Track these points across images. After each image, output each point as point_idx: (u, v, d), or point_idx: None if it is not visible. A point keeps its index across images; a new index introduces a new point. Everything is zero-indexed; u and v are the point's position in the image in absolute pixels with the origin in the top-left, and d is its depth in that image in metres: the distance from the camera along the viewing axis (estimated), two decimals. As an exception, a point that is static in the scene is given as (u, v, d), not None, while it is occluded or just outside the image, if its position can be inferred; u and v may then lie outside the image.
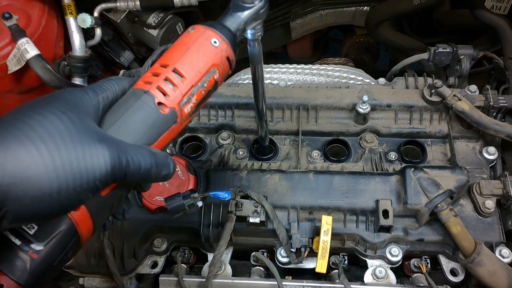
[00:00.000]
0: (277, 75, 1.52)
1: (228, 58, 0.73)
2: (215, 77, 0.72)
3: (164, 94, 0.66)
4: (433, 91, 1.22)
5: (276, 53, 2.30)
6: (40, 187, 0.52)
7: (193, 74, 0.69)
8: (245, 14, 0.76)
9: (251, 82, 1.49)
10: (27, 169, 0.51)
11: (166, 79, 0.67)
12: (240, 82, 1.45)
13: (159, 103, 0.66)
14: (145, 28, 1.65)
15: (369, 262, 1.13)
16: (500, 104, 1.22)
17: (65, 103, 0.59)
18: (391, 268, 1.12)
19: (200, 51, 0.70)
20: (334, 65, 1.57)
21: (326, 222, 1.03)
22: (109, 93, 0.66)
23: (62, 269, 1.18)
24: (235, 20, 0.75)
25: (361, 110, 1.23)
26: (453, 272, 1.12)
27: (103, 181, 0.57)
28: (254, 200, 1.09)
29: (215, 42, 0.71)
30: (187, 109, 0.69)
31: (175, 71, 0.68)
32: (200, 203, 0.97)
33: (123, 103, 0.66)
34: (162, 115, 0.66)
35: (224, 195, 0.99)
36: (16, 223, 0.55)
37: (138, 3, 1.51)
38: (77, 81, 1.51)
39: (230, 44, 0.73)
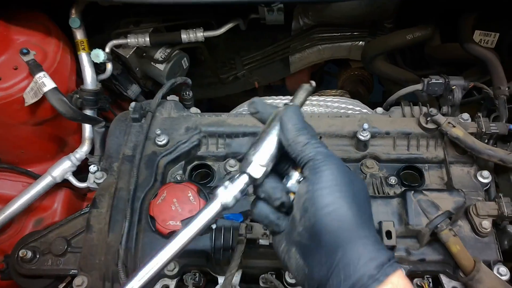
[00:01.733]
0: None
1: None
2: None
3: None
4: (428, 118, 1.30)
5: (274, 86, 2.39)
6: None
7: None
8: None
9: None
10: None
11: None
12: (245, 112, 1.52)
13: None
14: (152, 63, 1.73)
15: (374, 282, 1.17)
16: (492, 131, 1.31)
17: None
18: (395, 288, 1.17)
19: None
20: (333, 97, 1.66)
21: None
22: None
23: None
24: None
25: (362, 137, 1.30)
26: (455, 291, 1.17)
27: None
28: (263, 223, 1.14)
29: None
30: None
31: None
32: (214, 226, 1.03)
33: None
34: None
35: (237, 217, 1.04)
36: None
37: (148, 39, 1.59)
38: (88, 113, 1.57)
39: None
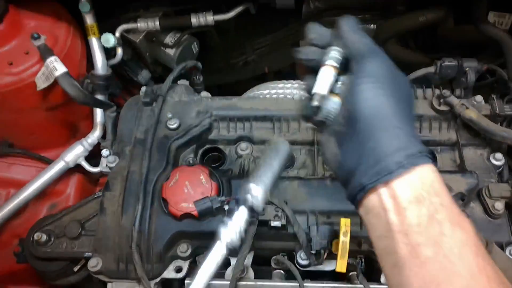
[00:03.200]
0: (290, 91, 1.60)
1: None
2: None
3: None
4: (441, 100, 1.29)
5: (285, 71, 2.37)
6: None
7: None
8: None
9: (265, 96, 1.57)
10: None
11: None
12: (256, 96, 1.52)
13: None
14: (162, 48, 1.73)
15: (386, 264, 1.18)
16: (506, 113, 1.29)
17: None
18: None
19: None
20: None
21: (345, 224, 1.08)
22: None
23: (90, 275, 1.23)
24: None
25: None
26: (467, 273, 1.17)
27: None
28: (275, 205, 1.15)
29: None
30: None
31: None
32: (226, 207, 1.03)
33: None
34: None
35: (249, 198, 1.04)
36: None
37: (157, 23, 1.59)
38: (99, 98, 1.58)
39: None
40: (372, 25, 1.84)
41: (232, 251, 0.80)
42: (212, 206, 1.02)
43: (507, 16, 1.56)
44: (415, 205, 0.65)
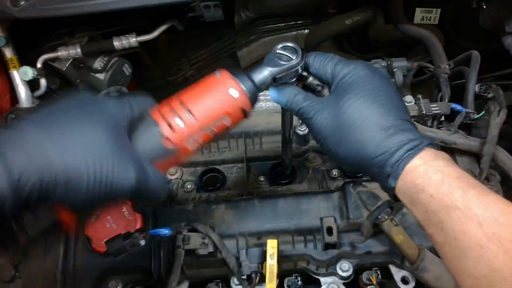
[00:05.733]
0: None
1: (243, 109, 0.76)
2: (227, 124, 0.76)
3: (173, 130, 0.71)
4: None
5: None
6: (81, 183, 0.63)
7: (204, 118, 0.73)
8: (276, 69, 0.78)
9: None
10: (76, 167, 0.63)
11: (178, 117, 0.72)
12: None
13: (166, 138, 0.71)
14: (92, 73, 1.67)
15: (322, 280, 1.15)
16: (433, 112, 1.27)
17: (108, 117, 0.69)
18: (344, 284, 1.14)
19: (218, 98, 0.74)
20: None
21: (271, 246, 1.05)
22: (136, 110, 0.74)
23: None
24: (264, 73, 0.77)
25: (300, 132, 1.26)
26: (405, 280, 1.14)
27: (128, 192, 0.67)
28: (201, 232, 1.11)
29: (234, 93, 0.74)
30: (191, 147, 0.74)
31: (188, 111, 0.72)
32: (142, 242, 0.99)
33: (137, 126, 0.74)
34: (164, 147, 0.72)
35: (164, 231, 1.01)
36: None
37: (79, 50, 1.54)
38: (27, 132, 1.52)
39: (249, 97, 0.76)
40: (305, 30, 1.82)
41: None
42: (125, 245, 0.98)
43: (434, 11, 1.55)
44: None
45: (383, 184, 0.73)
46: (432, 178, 0.66)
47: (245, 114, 0.77)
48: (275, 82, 0.79)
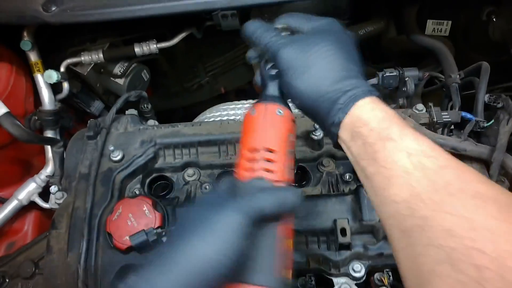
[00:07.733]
0: (241, 111, 1.61)
1: (293, 120, 0.81)
2: (293, 139, 0.81)
3: (272, 172, 0.73)
4: (379, 113, 1.31)
5: (245, 90, 2.39)
6: None
7: (279, 146, 0.76)
8: (274, 71, 0.82)
9: (214, 119, 1.58)
10: None
11: (264, 159, 0.74)
12: (205, 120, 1.53)
13: (275, 181, 0.73)
14: (111, 78, 1.73)
15: (335, 280, 1.18)
16: (444, 120, 1.31)
17: None
18: (357, 284, 1.17)
19: (275, 126, 0.78)
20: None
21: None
22: None
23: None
24: (275, 85, 0.82)
25: (315, 137, 1.31)
26: (415, 282, 1.17)
27: None
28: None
29: (279, 112, 0.78)
30: (291, 176, 0.77)
31: (266, 149, 0.75)
32: (164, 239, 1.03)
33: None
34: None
35: (185, 228, 1.04)
36: None
37: (101, 56, 1.59)
38: (49, 133, 1.58)
39: (287, 108, 0.80)
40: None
41: None
42: (147, 239, 1.02)
43: (445, 22, 1.59)
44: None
45: (330, 120, 0.75)
46: (377, 115, 0.70)
47: (294, 121, 0.82)
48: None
